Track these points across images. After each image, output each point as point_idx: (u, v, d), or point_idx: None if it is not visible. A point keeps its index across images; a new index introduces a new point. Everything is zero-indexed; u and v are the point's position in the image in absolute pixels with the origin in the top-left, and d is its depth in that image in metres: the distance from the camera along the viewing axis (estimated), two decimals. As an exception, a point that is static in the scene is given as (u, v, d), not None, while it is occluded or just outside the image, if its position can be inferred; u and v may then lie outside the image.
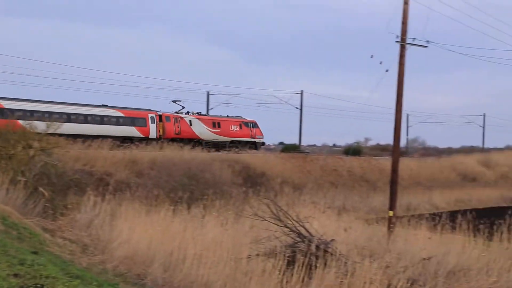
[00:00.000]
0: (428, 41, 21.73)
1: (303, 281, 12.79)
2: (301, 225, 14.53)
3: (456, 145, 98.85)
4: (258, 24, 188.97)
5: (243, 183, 35.11)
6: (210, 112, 63.05)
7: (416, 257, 15.09)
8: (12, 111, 37.36)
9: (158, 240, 16.08)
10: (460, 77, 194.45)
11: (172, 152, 37.37)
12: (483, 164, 66.61)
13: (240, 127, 58.25)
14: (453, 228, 20.05)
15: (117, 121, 47.07)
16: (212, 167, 33.62)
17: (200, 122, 54.34)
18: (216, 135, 55.23)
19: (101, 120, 46.05)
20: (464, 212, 20.68)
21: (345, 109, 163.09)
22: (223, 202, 23.58)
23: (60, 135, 29.34)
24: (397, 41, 21.49)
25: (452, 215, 21.30)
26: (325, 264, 13.09)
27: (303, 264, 13.17)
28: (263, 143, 61.22)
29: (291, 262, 13.49)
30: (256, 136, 59.40)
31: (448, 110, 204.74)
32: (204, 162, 33.21)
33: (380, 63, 21.43)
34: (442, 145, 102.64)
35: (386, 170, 48.59)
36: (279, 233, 14.66)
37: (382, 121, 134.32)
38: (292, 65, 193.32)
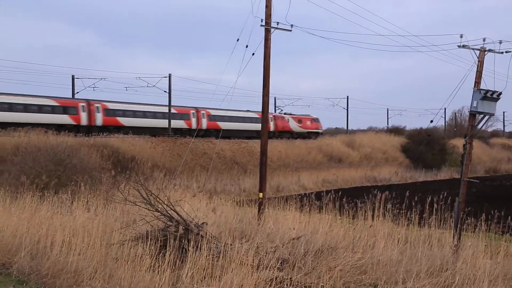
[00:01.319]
0: (292, 25, 22.13)
1: (175, 264, 12.76)
2: (172, 209, 14.48)
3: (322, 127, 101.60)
4: (124, 6, 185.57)
5: (112, 168, 34.44)
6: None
7: (285, 237, 15.42)
8: None
9: (24, 228, 15.53)
10: (325, 61, 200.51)
11: (37, 137, 36.05)
12: (348, 145, 68.93)
13: (311, 122, 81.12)
14: (321, 208, 20.65)
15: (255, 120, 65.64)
16: (80, 152, 32.68)
17: (292, 119, 78.77)
18: (300, 128, 78.84)
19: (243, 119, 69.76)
20: (330, 192, 21.35)
21: (212, 92, 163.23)
22: (92, 187, 23.10)
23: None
24: (261, 25, 21.73)
25: (320, 195, 21.93)
26: (197, 247, 13.11)
27: (175, 247, 13.14)
28: (322, 133, 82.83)
29: (163, 246, 13.43)
30: (319, 128, 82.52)
31: (315, 93, 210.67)
32: (71, 147, 32.21)
33: (246, 46, 21.65)
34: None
35: (255, 153, 49.43)
36: (150, 218, 14.54)
37: (251, 104, 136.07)
38: (161, 49, 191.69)
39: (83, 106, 53.72)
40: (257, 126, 59.01)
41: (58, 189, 22.10)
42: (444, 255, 14.90)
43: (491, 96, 17.24)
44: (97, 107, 54.51)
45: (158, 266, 12.48)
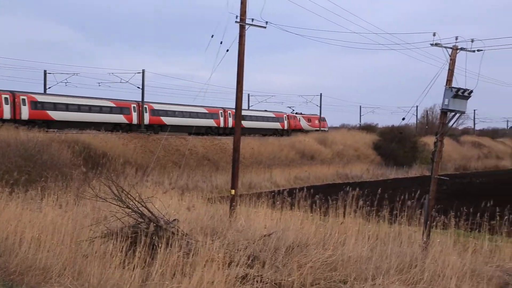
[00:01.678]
0: (266, 22, 22.12)
1: (145, 261, 12.70)
2: (143, 206, 14.40)
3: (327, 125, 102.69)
4: (101, 1, 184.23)
5: (83, 164, 34.17)
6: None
7: (257, 234, 15.42)
8: None
9: (-9, 225, 15.34)
10: (300, 58, 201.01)
11: (7, 133, 35.62)
12: (320, 143, 69.08)
13: (319, 121, 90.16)
14: (292, 205, 20.70)
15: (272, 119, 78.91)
16: (51, 148, 32.41)
17: (303, 119, 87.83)
18: (309, 126, 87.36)
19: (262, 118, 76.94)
20: (302, 189, 21.40)
21: (187, 88, 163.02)
22: (62, 184, 22.89)
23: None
24: (236, 21, 21.69)
25: (292, 192, 21.98)
26: (168, 244, 13.07)
27: (145, 244, 13.07)
28: (327, 130, 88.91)
29: (133, 243, 13.36)
30: (325, 126, 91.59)
31: (289, 90, 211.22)
32: (42, 143, 31.92)
33: (221, 43, 21.59)
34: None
35: (228, 149, 49.37)
36: (121, 214, 14.44)
37: (225, 101, 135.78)
38: (135, 44, 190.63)
39: (134, 107, 59.65)
40: (275, 125, 79.21)
41: (28, 185, 21.84)
42: (413, 252, 15.05)
43: (462, 94, 17.41)
44: (145, 107, 60.49)
45: (128, 263, 12.41)
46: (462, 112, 18.20)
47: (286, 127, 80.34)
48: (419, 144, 71.66)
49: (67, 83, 63.28)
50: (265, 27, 22.20)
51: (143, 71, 61.28)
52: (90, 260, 12.60)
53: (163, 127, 59.54)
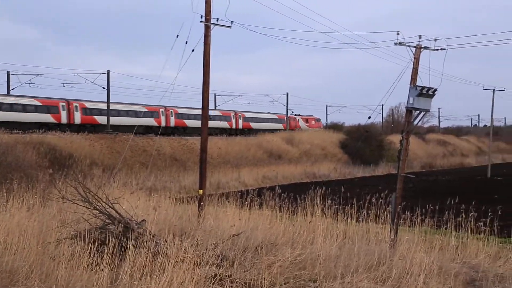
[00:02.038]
0: (231, 22, 22.11)
1: (114, 263, 12.61)
2: (110, 207, 14.30)
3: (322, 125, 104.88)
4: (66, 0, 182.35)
5: (49, 165, 33.81)
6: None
7: (225, 233, 15.43)
8: None
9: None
10: (267, 57, 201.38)
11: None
12: (288, 142, 69.29)
13: (315, 122, 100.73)
14: (261, 204, 20.73)
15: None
16: (15, 149, 32.02)
17: (301, 120, 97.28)
18: (307, 126, 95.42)
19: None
20: (270, 189, 21.45)
21: (152, 88, 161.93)
22: (28, 186, 22.60)
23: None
24: (201, 21, 21.63)
25: (260, 192, 22.01)
26: (136, 244, 12.99)
27: (114, 246, 12.98)
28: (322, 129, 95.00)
29: (101, 245, 13.24)
30: (320, 126, 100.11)
31: (256, 89, 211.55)
32: (6, 145, 31.53)
33: (186, 43, 21.52)
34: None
35: (195, 149, 49.26)
36: (88, 216, 14.32)
37: (191, 101, 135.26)
38: (101, 45, 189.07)
39: (162, 111, 67.55)
40: (278, 126, 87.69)
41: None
42: (381, 250, 15.16)
43: (427, 93, 17.60)
44: (171, 111, 69.11)
45: (97, 265, 12.30)
46: (427, 110, 18.39)
47: (287, 128, 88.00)
48: (385, 142, 72.21)
49: (31, 84, 62.66)
50: (230, 27, 22.21)
51: (108, 72, 60.89)
52: (57, 262, 12.44)
53: (186, 129, 69.49)
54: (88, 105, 60.28)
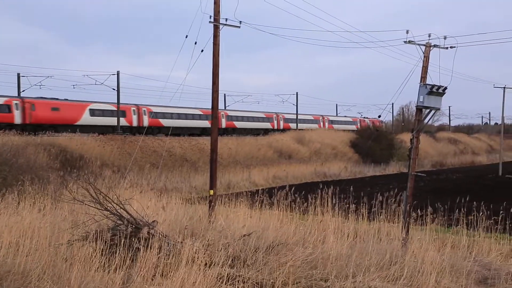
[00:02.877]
0: (240, 22, 22.09)
1: (125, 263, 12.64)
2: (122, 208, 14.34)
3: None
4: (76, 2, 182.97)
5: (60, 167, 33.97)
6: None
7: (236, 234, 15.41)
8: None
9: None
10: (277, 57, 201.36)
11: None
12: (298, 141, 69.16)
13: (378, 123, 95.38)
14: (271, 204, 20.74)
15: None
16: (27, 151, 32.15)
17: (368, 121, 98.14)
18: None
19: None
20: (281, 188, 21.44)
21: (162, 89, 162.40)
22: (39, 187, 22.70)
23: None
24: (210, 21, 21.63)
25: (270, 192, 22.00)
26: (148, 245, 13.02)
27: (125, 246, 13.02)
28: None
29: (113, 246, 13.29)
30: (382, 125, 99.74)
31: (266, 89, 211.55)
32: (18, 147, 31.65)
33: (195, 43, 21.53)
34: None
35: (206, 150, 49.23)
36: (99, 217, 14.37)
37: (202, 101, 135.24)
38: (111, 46, 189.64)
39: (222, 114, 74.05)
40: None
41: (4, 189, 21.63)
42: (393, 249, 15.13)
43: (437, 91, 17.55)
44: (222, 114, 75.11)
45: (109, 266, 12.35)
46: (437, 109, 18.34)
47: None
48: (395, 141, 72.06)
49: (41, 86, 62.96)
50: (239, 27, 22.18)
51: (118, 73, 61.09)
52: (69, 263, 12.51)
53: (236, 130, 75.89)
54: (154, 109, 66.02)
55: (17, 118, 52.28)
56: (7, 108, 51.71)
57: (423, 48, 17.97)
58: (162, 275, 12.06)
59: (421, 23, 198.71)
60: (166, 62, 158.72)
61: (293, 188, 21.25)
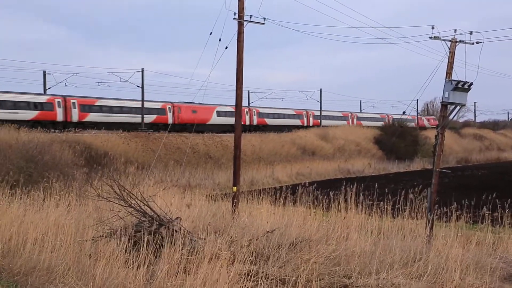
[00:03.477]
0: (264, 18, 22.08)
1: (149, 260, 12.70)
2: (145, 204, 14.42)
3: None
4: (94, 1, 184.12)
5: (85, 164, 34.23)
6: None
7: (260, 230, 15.42)
8: None
9: (-6, 226, 15.32)
10: (301, 54, 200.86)
11: (8, 134, 35.63)
12: (321, 138, 68.94)
13: (433, 120, 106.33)
14: (295, 201, 20.71)
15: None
16: (52, 148, 32.43)
17: (425, 119, 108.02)
18: (429, 124, 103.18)
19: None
20: (304, 185, 21.41)
21: (186, 86, 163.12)
22: (64, 184, 22.91)
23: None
24: (234, 18, 21.64)
25: (294, 188, 21.98)
26: (171, 242, 13.08)
27: (149, 243, 13.08)
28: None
29: (137, 242, 13.37)
30: (437, 123, 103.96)
31: (290, 86, 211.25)
32: (43, 144, 31.93)
33: (219, 40, 21.56)
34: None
35: (229, 147, 49.32)
36: (124, 213, 14.47)
37: (225, 98, 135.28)
38: (135, 43, 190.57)
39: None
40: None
41: (30, 186, 21.85)
42: (417, 246, 15.05)
43: (463, 87, 17.41)
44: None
45: (133, 262, 12.41)
46: (463, 105, 18.21)
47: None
48: (420, 137, 71.56)
49: (66, 84, 63.54)
50: (263, 23, 22.18)
51: (142, 70, 61.43)
52: (94, 260, 12.60)
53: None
54: (261, 110, 78.40)
55: (170, 119, 64.02)
56: (163, 111, 64.43)
57: (449, 43, 17.83)
58: (185, 272, 12.09)
59: (445, 18, 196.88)
60: (190, 59, 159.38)
61: (314, 184, 21.20)
